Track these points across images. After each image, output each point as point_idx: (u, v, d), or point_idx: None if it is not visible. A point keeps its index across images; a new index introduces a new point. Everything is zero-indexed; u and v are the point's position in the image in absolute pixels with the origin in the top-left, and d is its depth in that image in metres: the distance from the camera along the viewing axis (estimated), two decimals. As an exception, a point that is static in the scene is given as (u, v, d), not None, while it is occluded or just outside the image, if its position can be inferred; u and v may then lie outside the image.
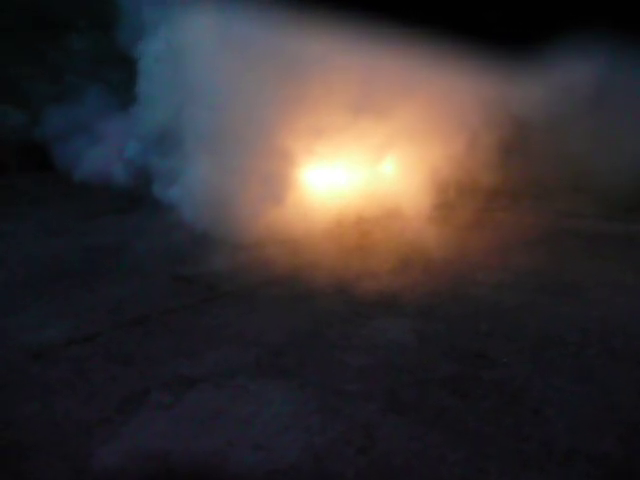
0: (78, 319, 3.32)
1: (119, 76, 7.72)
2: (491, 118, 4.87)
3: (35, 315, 3.37)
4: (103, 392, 2.49)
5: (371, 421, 2.23)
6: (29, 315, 3.38)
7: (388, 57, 3.82)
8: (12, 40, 8.51)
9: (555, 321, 3.23)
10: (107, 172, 7.54)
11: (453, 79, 4.26)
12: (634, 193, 5.42)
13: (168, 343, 2.98)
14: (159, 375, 2.63)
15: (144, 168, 6.65)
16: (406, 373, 2.62)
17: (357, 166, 4.91)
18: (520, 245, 4.81)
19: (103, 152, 7.67)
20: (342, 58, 4.17)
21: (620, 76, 4.80)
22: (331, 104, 4.37)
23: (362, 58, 3.97)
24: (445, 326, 3.16)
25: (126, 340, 3.03)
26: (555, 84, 4.76)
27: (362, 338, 3.01)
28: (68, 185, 7.56)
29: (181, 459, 2.03)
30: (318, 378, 2.57)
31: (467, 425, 2.19)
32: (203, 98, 4.74)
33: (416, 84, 4.37)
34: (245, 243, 4.54)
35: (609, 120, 5.34)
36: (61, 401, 2.43)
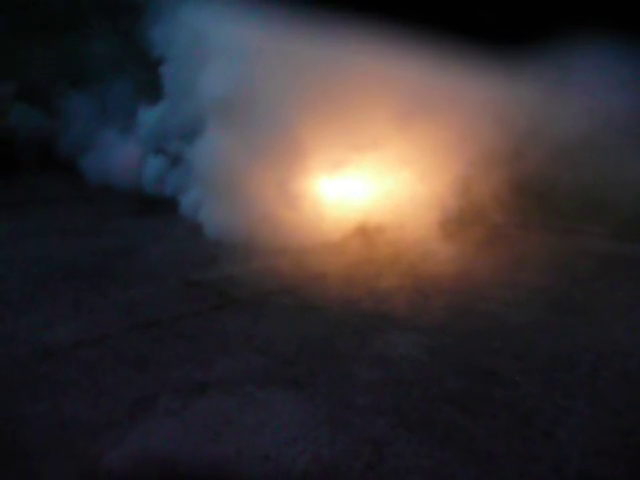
0: (89, 321, 3.34)
1: (140, 69, 7.68)
2: (508, 135, 4.87)
3: (45, 315, 3.39)
4: (112, 395, 2.50)
5: (380, 436, 2.21)
6: (39, 315, 3.39)
7: (412, 70, 3.83)
8: (29, 37, 8.59)
9: (566, 341, 3.20)
10: (119, 158, 7.43)
11: (472, 95, 4.27)
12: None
13: (179, 348, 2.98)
14: (169, 380, 2.63)
15: (159, 151, 6.59)
16: (416, 388, 2.60)
17: (372, 177, 4.91)
18: (530, 262, 4.78)
19: (117, 136, 7.61)
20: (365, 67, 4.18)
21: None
22: (354, 114, 4.38)
23: (390, 68, 3.97)
24: (455, 342, 3.14)
25: (136, 344, 3.03)
26: (572, 104, 4.76)
27: (373, 351, 3.00)
28: (84, 185, 7.61)
29: (189, 466, 2.03)
30: (328, 389, 2.57)
31: (477, 444, 2.18)
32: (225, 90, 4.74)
33: (438, 98, 4.38)
34: (257, 250, 4.55)
35: (622, 138, 5.31)
36: (70, 402, 2.44)
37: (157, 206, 6.26)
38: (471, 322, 3.44)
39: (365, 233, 5.06)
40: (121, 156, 7.42)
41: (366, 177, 4.87)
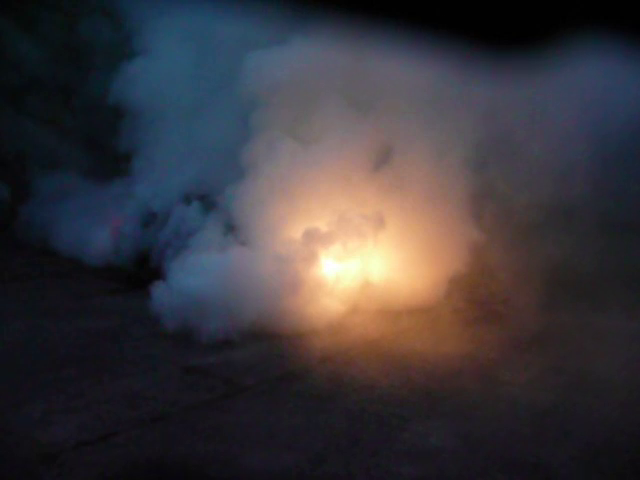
0: (88, 416, 3.04)
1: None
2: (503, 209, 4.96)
3: (41, 408, 3.07)
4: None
5: None
6: (34, 408, 3.07)
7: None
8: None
9: (598, 424, 3.09)
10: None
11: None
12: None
13: (195, 445, 2.72)
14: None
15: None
16: (465, 486, 2.42)
17: (372, 257, 4.84)
18: (531, 340, 4.71)
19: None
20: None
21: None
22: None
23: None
24: (487, 430, 2.99)
25: (147, 443, 2.76)
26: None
27: (405, 443, 2.81)
28: (55, 261, 7.22)
29: None
30: (372, 491, 2.35)
31: None
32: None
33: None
34: (258, 333, 4.33)
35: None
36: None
37: (139, 283, 5.96)
38: (497, 407, 3.30)
39: (370, 314, 4.90)
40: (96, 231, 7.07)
41: (369, 255, 4.79)
